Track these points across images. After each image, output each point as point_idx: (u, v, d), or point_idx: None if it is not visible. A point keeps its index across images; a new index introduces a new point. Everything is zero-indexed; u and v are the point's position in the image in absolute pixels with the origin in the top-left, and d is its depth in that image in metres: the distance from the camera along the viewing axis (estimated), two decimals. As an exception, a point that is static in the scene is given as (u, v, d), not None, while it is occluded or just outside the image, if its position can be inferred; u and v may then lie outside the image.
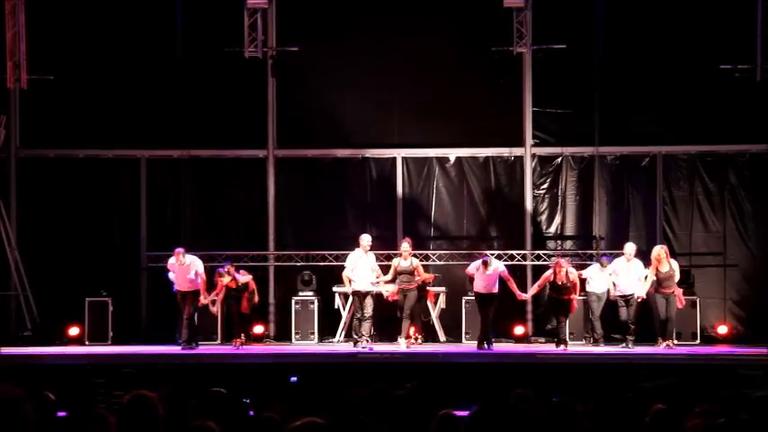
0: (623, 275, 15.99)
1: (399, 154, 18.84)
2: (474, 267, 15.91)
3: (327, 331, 17.86)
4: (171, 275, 16.21)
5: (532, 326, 18.23)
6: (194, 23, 18.40)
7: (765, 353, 14.69)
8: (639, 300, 15.84)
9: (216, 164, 18.91)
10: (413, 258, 16.02)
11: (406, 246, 16.01)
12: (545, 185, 18.72)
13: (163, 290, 16.84)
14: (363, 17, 18.75)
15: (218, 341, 17.37)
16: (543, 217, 18.74)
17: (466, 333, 17.41)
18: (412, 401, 6.62)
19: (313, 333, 17.62)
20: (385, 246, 17.63)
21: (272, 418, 5.88)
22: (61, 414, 6.03)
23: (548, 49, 18.08)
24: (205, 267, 16.23)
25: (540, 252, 18.26)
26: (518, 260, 18.04)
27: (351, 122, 18.82)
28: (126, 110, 18.60)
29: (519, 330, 17.74)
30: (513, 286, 15.99)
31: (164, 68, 18.46)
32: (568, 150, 18.63)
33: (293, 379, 11.96)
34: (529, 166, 18.60)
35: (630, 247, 16.15)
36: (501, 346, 16.71)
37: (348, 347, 16.21)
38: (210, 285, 16.36)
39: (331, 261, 17.82)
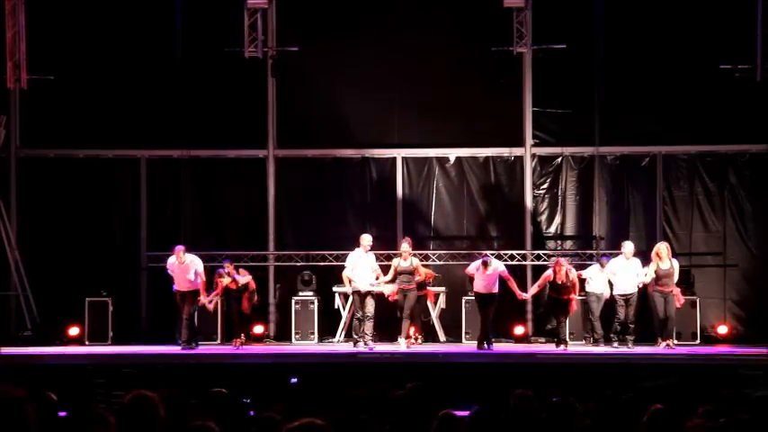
0: (622, 274, 15.99)
1: (399, 154, 18.84)
2: (474, 267, 15.92)
3: (327, 331, 17.86)
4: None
5: (532, 326, 18.23)
6: (194, 23, 18.41)
7: (765, 353, 14.69)
8: (641, 286, 15.84)
9: (216, 164, 18.91)
10: (413, 258, 16.01)
11: (405, 246, 16.00)
12: (545, 185, 18.72)
13: (163, 290, 16.84)
14: (363, 17, 18.76)
15: (218, 341, 17.37)
16: (543, 217, 18.74)
17: (466, 333, 17.41)
18: (412, 401, 6.62)
19: (313, 333, 17.62)
20: (385, 246, 17.63)
21: (272, 418, 5.89)
22: (61, 414, 6.04)
23: (548, 49, 18.08)
24: (205, 267, 16.24)
25: (540, 252, 18.26)
26: (518, 260, 18.04)
27: (351, 122, 18.82)
28: (126, 110, 18.60)
29: (519, 330, 17.74)
30: (514, 286, 15.99)
31: (164, 68, 18.46)
32: (568, 150, 18.63)
33: (293, 380, 11.95)
34: (529, 166, 18.61)
35: (629, 246, 16.14)
36: (501, 346, 16.71)
37: (348, 347, 16.21)
38: (210, 286, 16.37)
39: (331, 261, 17.82)
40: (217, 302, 16.99)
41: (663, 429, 5.56)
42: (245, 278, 16.48)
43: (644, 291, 16.31)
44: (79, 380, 12.70)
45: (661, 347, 15.80)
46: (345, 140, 18.88)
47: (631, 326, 16.01)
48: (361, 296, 15.74)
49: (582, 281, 16.16)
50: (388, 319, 16.67)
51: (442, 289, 17.62)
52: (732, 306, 18.23)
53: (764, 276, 18.05)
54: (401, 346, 15.80)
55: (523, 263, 18.16)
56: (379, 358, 14.73)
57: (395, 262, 16.09)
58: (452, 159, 18.80)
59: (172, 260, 16.06)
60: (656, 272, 15.79)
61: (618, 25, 18.23)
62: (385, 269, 16.18)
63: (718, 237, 18.37)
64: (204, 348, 16.41)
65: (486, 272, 15.67)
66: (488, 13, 18.10)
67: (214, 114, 18.65)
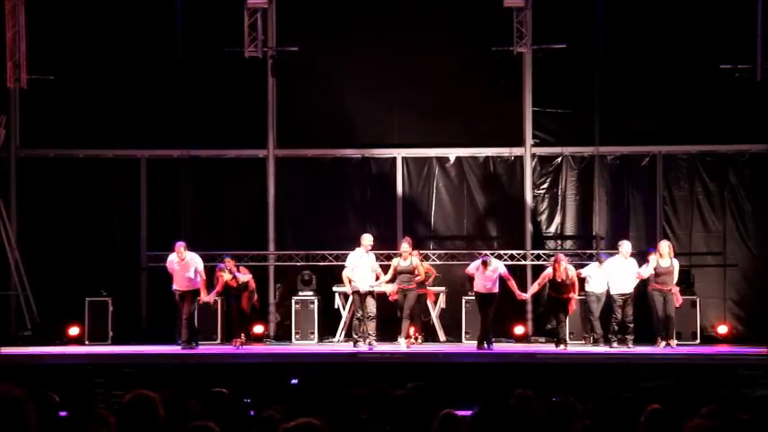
0: (619, 274, 16.01)
1: (399, 154, 18.84)
2: (474, 267, 15.92)
3: (327, 331, 17.86)
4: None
5: (532, 326, 18.24)
6: (194, 23, 18.40)
7: (765, 353, 14.70)
8: (639, 278, 15.87)
9: (216, 164, 18.91)
10: (413, 258, 16.00)
11: (405, 246, 16.01)
12: (545, 185, 18.73)
13: (163, 290, 16.83)
14: (363, 17, 18.76)
15: (218, 341, 17.37)
16: (543, 217, 18.74)
17: (466, 333, 17.41)
18: (412, 401, 6.62)
19: (313, 333, 17.62)
20: (385, 246, 17.62)
21: (272, 417, 5.89)
22: (62, 414, 6.04)
23: (548, 49, 18.07)
24: (205, 267, 16.25)
25: (540, 252, 18.26)
26: (518, 260, 18.04)
27: (351, 122, 18.82)
28: (126, 110, 18.60)
29: (519, 330, 17.75)
30: (513, 286, 16.00)
31: (164, 68, 18.46)
32: (568, 150, 18.63)
33: (294, 381, 11.95)
34: (529, 166, 18.61)
35: (626, 246, 16.16)
36: (501, 346, 16.70)
37: (348, 347, 16.20)
38: (210, 283, 16.36)
39: (331, 261, 17.82)
40: (217, 301, 17.02)
41: (660, 429, 5.56)
42: (245, 276, 16.47)
43: (643, 290, 16.33)
44: (79, 380, 12.70)
45: (661, 347, 15.81)
46: (345, 140, 18.88)
47: (630, 325, 16.02)
48: (360, 296, 15.74)
49: (582, 280, 16.16)
50: (388, 319, 16.67)
51: (442, 289, 17.62)
52: (732, 306, 18.23)
53: (764, 276, 18.05)
54: (401, 346, 15.80)
55: (523, 263, 18.16)
56: (379, 358, 14.73)
57: (395, 262, 16.09)
58: (452, 159, 18.80)
59: (172, 257, 16.06)
60: (655, 269, 15.83)
61: (618, 25, 18.22)
62: (385, 269, 16.19)
63: (718, 237, 18.37)
64: (204, 348, 16.41)
65: (486, 272, 15.68)
66: (488, 13, 18.10)
67: (214, 114, 18.65)
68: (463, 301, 17.44)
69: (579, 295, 16.19)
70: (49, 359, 14.77)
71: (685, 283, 16.98)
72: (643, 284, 16.28)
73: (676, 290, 15.93)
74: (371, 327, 15.74)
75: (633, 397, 7.06)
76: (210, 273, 16.52)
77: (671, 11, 18.20)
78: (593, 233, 18.33)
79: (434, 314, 17.61)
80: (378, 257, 16.50)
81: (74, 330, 17.33)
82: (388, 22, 18.70)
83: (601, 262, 16.27)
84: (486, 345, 15.87)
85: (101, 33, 18.50)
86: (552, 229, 18.71)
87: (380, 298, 16.10)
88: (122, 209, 18.81)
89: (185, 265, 15.94)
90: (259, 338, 17.66)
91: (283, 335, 18.18)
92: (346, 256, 16.29)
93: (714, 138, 18.26)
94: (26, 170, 18.65)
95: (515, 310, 17.61)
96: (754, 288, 18.17)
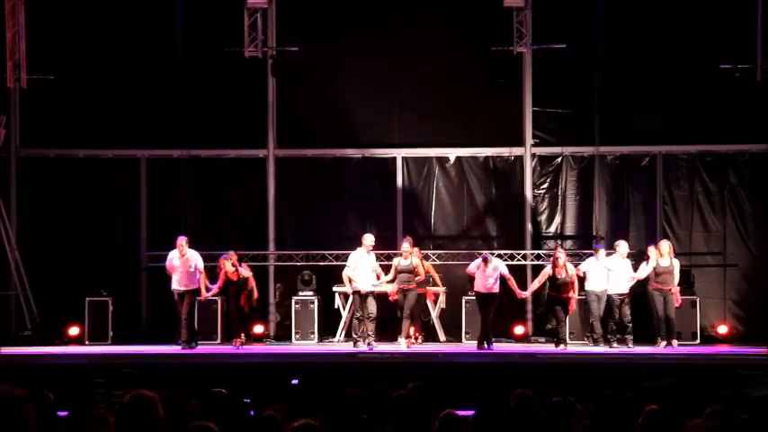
0: (617, 273, 16.03)
1: (399, 154, 18.84)
2: (475, 266, 15.92)
3: (327, 331, 17.86)
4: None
5: (532, 326, 18.24)
6: (194, 23, 18.40)
7: (765, 353, 14.70)
8: (632, 280, 15.90)
9: (216, 164, 18.91)
10: (413, 258, 16.00)
11: (406, 245, 16.01)
12: (545, 185, 18.73)
13: (163, 290, 16.83)
14: (363, 17, 18.76)
15: (218, 341, 17.37)
16: (543, 217, 18.74)
17: (466, 333, 17.40)
18: (412, 401, 6.62)
19: (313, 333, 17.61)
20: (385, 246, 17.62)
21: (272, 417, 5.89)
22: (61, 414, 6.04)
23: (548, 49, 18.07)
24: (205, 267, 16.27)
25: (541, 252, 18.26)
26: (518, 260, 18.03)
27: (351, 122, 18.82)
28: (126, 110, 18.60)
29: (519, 330, 17.74)
30: (514, 285, 16.01)
31: (164, 68, 18.46)
32: (568, 150, 18.63)
33: (294, 381, 11.95)
34: (529, 166, 18.61)
35: (624, 246, 16.20)
36: (501, 346, 16.70)
37: (348, 347, 16.20)
38: (212, 279, 16.37)
39: (331, 261, 17.82)
40: (217, 300, 17.03)
41: (660, 429, 5.56)
42: (246, 272, 16.46)
43: (643, 290, 16.34)
44: (79, 380, 12.69)
45: (661, 347, 15.81)
46: (345, 140, 18.88)
47: (629, 325, 16.04)
48: (361, 296, 15.73)
49: (581, 280, 16.14)
50: (388, 319, 16.67)
51: (442, 289, 17.61)
52: (732, 306, 18.23)
53: (764, 276, 18.05)
54: (401, 346, 15.80)
55: (523, 263, 18.16)
56: (379, 358, 14.73)
57: (395, 261, 16.10)
58: (452, 159, 18.81)
59: (172, 254, 16.07)
60: (655, 268, 15.86)
61: (618, 25, 18.22)
62: (385, 269, 16.19)
63: (718, 237, 18.37)
64: (204, 348, 16.41)
65: (487, 270, 15.67)
66: (488, 13, 18.10)
67: (214, 114, 18.65)
68: (463, 301, 17.43)
69: (579, 295, 16.19)
70: (49, 359, 14.77)
71: (685, 283, 16.98)
72: (643, 284, 16.29)
73: (676, 290, 15.95)
74: (371, 327, 15.74)
75: (633, 397, 7.06)
76: (211, 271, 16.52)
77: (671, 11, 18.20)
78: (594, 233, 18.32)
79: (434, 314, 17.61)
80: (378, 257, 16.50)
81: (74, 330, 17.32)
82: (388, 22, 18.70)
83: (596, 252, 16.25)
84: (486, 345, 15.87)
85: (101, 33, 18.50)
86: (552, 229, 18.71)
87: (380, 298, 16.10)
88: (122, 209, 18.81)
89: (185, 261, 15.96)
90: (259, 338, 17.66)
91: (283, 335, 18.18)
92: (346, 256, 16.29)
93: (714, 138, 18.26)
94: (26, 170, 18.65)
95: (515, 310, 17.62)
96: (754, 288, 18.17)
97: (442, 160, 18.83)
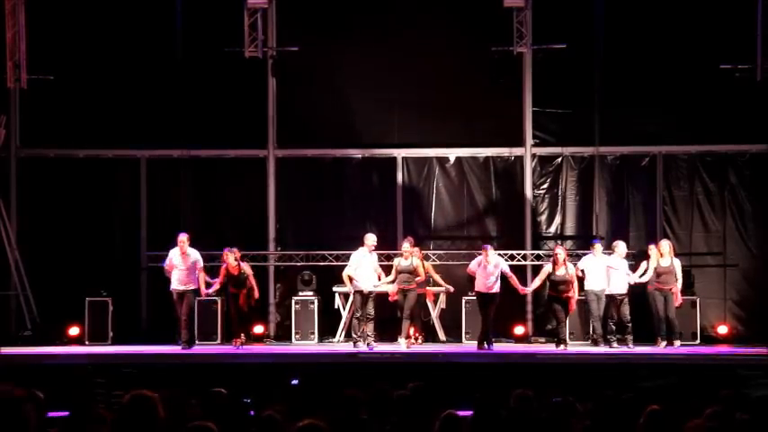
0: (615, 273, 16.04)
1: (399, 154, 18.84)
2: (475, 263, 15.91)
3: (327, 331, 17.86)
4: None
5: (532, 326, 18.23)
6: (194, 23, 18.40)
7: (765, 353, 14.69)
8: (632, 283, 15.96)
9: (216, 164, 18.91)
10: (413, 258, 16.00)
11: (406, 245, 16.01)
12: (545, 185, 18.73)
13: (163, 290, 16.82)
14: (363, 17, 18.75)
15: (218, 341, 17.37)
16: (543, 217, 18.74)
17: (466, 333, 17.40)
18: (412, 401, 6.62)
19: (313, 333, 17.61)
20: (385, 246, 17.61)
21: (272, 417, 5.89)
22: (54, 414, 6.03)
23: (548, 49, 18.07)
24: (205, 267, 16.28)
25: (540, 252, 18.26)
26: (518, 260, 18.03)
27: (351, 122, 18.82)
28: (126, 110, 18.60)
29: (519, 330, 17.74)
30: (515, 282, 16.02)
31: (164, 68, 18.46)
32: (568, 150, 18.63)
33: (294, 381, 11.95)
34: (529, 166, 18.61)
35: (622, 246, 16.21)
36: (501, 346, 16.70)
37: (348, 347, 16.20)
38: (213, 277, 16.39)
39: (331, 261, 17.82)
40: (217, 301, 17.04)
41: (660, 430, 5.56)
42: (248, 269, 16.45)
43: (643, 290, 16.33)
44: (79, 380, 12.69)
45: (661, 347, 15.82)
46: (345, 140, 18.88)
47: (628, 325, 16.04)
48: (363, 296, 15.72)
49: (581, 280, 16.12)
50: (388, 319, 16.68)
51: (443, 289, 17.60)
52: (732, 306, 18.23)
53: (764, 276, 18.05)
54: (401, 346, 15.80)
55: (523, 263, 18.15)
56: (379, 358, 14.73)
57: (396, 261, 16.09)
58: (452, 159, 18.80)
59: (173, 252, 16.07)
60: (655, 268, 15.87)
61: (618, 25, 18.22)
62: (385, 269, 16.18)
63: (718, 237, 18.37)
64: (204, 348, 16.40)
65: (489, 265, 15.63)
66: (488, 13, 18.10)
67: (214, 114, 18.65)
68: (463, 301, 17.43)
69: (579, 295, 16.18)
70: (48, 359, 14.76)
71: (685, 283, 16.96)
72: (643, 284, 16.29)
73: (677, 289, 15.94)
74: (370, 328, 15.74)
75: (633, 397, 7.06)
76: (210, 271, 16.53)
77: (671, 11, 18.20)
78: (594, 233, 18.31)
79: (434, 314, 17.61)
80: (378, 257, 16.46)
81: (74, 330, 17.32)
82: (388, 22, 18.69)
83: (593, 246, 16.25)
84: (486, 345, 15.87)
85: (101, 33, 18.50)
86: (552, 229, 18.71)
87: (381, 298, 16.10)
88: (122, 209, 18.80)
89: (186, 258, 15.97)
90: (259, 338, 17.65)
91: (283, 335, 18.18)
92: (346, 256, 16.29)
93: (714, 138, 18.26)
94: (26, 170, 18.65)
95: (515, 310, 17.63)
96: (754, 288, 18.17)
97: (442, 160, 18.82)
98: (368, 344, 15.63)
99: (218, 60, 18.31)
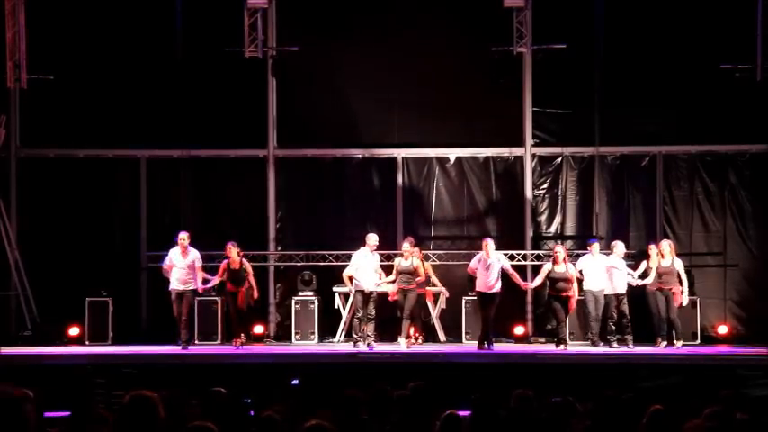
0: (617, 273, 16.04)
1: (399, 154, 18.84)
2: (476, 260, 15.88)
3: (327, 331, 17.86)
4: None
5: (532, 326, 18.23)
6: (194, 23, 18.40)
7: (765, 353, 14.69)
8: (634, 284, 15.98)
9: (216, 164, 18.91)
10: (414, 258, 15.99)
11: (407, 245, 16.01)
12: (545, 185, 18.73)
13: (163, 290, 16.81)
14: (363, 17, 18.76)
15: (218, 341, 17.37)
16: (543, 217, 18.74)
17: (466, 333, 17.40)
18: (412, 401, 6.62)
19: (313, 333, 17.62)
20: (385, 246, 17.61)
21: (272, 418, 5.89)
22: (54, 414, 6.04)
23: (548, 49, 18.07)
24: (204, 267, 16.28)
25: (540, 252, 18.26)
26: (518, 260, 18.03)
27: (351, 122, 18.83)
28: (126, 110, 18.60)
29: (519, 330, 17.74)
30: (517, 278, 16.03)
31: (164, 68, 18.46)
32: (568, 150, 18.63)
33: (294, 381, 11.95)
34: (529, 166, 18.61)
35: (621, 247, 16.22)
36: (501, 346, 16.70)
37: (348, 347, 16.20)
38: (213, 274, 16.41)
39: (331, 261, 17.82)
40: (216, 301, 17.05)
41: (660, 429, 5.56)
42: (248, 266, 16.45)
43: (643, 290, 16.33)
44: (79, 380, 12.69)
45: (661, 347, 15.82)
46: (345, 140, 18.89)
47: (628, 325, 16.05)
48: (364, 296, 15.72)
49: (579, 281, 16.12)
50: (388, 319, 16.68)
51: (442, 289, 17.60)
52: (732, 306, 18.23)
53: (764, 276, 18.05)
54: (401, 346, 15.80)
55: (523, 263, 18.15)
56: (379, 358, 14.73)
57: (396, 261, 16.10)
58: (452, 159, 18.81)
59: (172, 252, 16.08)
60: (657, 268, 15.88)
61: (618, 25, 18.22)
62: (385, 269, 16.18)
63: (718, 237, 18.37)
64: (204, 348, 16.40)
65: (489, 257, 15.61)
66: (488, 13, 18.10)
67: (214, 114, 18.65)
68: (463, 301, 17.43)
69: (579, 295, 16.17)
70: (48, 359, 14.76)
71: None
72: (643, 285, 16.30)
73: (678, 289, 15.93)
74: (370, 328, 15.74)
75: (633, 397, 7.06)
76: (210, 271, 16.54)
77: (671, 11, 18.20)
78: (594, 233, 18.31)
79: (434, 314, 17.61)
80: (378, 257, 16.48)
81: (74, 330, 17.32)
82: (388, 22, 18.70)
83: (589, 246, 16.25)
84: (486, 345, 15.86)
85: (101, 33, 18.50)
86: (552, 229, 18.71)
87: (381, 298, 16.10)
88: (122, 209, 18.81)
89: (186, 256, 15.97)
90: (259, 338, 17.66)
91: (283, 335, 18.18)
92: (346, 256, 16.29)
93: (714, 138, 18.26)
94: (26, 170, 18.65)
95: (515, 310, 17.62)
96: (754, 288, 18.17)
97: (443, 160, 18.83)
98: (368, 344, 15.63)
99: (218, 60, 18.31)
